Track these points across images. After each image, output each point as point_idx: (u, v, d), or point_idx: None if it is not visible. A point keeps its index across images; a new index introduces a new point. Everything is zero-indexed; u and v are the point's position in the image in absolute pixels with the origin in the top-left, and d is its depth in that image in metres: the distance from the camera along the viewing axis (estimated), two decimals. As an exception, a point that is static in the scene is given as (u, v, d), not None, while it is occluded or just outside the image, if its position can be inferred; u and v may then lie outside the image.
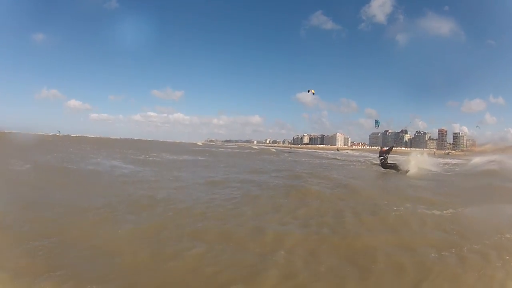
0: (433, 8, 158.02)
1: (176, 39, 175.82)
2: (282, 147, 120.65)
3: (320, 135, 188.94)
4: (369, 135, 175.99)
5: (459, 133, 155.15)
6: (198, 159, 20.66)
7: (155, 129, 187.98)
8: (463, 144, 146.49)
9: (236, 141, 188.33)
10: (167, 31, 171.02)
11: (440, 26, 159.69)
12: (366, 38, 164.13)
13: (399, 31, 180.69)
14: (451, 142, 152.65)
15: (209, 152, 35.00)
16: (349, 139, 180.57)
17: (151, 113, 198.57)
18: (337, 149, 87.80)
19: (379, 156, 16.88)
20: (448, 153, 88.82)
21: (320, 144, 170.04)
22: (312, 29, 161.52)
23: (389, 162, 16.17)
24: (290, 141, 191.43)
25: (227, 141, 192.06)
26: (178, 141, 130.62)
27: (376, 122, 61.56)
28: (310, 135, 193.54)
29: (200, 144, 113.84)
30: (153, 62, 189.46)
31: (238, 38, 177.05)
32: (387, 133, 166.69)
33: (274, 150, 48.21)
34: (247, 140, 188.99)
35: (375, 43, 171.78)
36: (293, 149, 67.37)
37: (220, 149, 51.40)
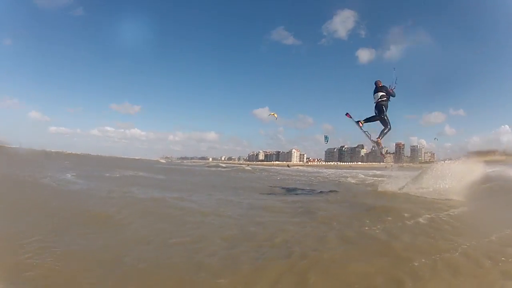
0: (396, 23, 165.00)
1: (134, 52, 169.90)
2: (238, 164, 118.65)
3: (275, 151, 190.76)
4: (325, 151, 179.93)
5: (417, 146, 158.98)
6: (193, 180, 18.23)
7: (112, 144, 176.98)
8: (421, 157, 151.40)
9: (192, 158, 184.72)
10: (125, 44, 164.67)
11: (403, 40, 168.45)
12: (326, 53, 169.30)
13: (359, 46, 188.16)
14: (409, 156, 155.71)
15: (185, 170, 32.66)
16: (305, 155, 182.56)
17: (109, 128, 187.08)
18: (288, 165, 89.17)
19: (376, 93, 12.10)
20: (402, 166, 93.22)
21: (275, 161, 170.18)
22: (273, 44, 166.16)
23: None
24: (245, 158, 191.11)
25: (182, 158, 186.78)
26: (137, 157, 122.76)
27: (326, 137, 63.32)
28: (266, 151, 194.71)
29: (163, 161, 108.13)
30: (112, 75, 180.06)
31: (196, 52, 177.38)
32: (343, 148, 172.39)
33: (248, 168, 46.92)
34: (202, 157, 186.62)
35: (334, 59, 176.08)
36: (249, 166, 66.93)
37: (185, 167, 48.37)
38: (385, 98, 11.77)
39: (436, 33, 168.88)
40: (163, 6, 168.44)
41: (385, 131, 11.87)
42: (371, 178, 21.62)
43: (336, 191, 13.01)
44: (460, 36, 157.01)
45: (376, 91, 11.97)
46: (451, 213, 6.42)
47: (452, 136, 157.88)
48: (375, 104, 11.95)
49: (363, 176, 25.28)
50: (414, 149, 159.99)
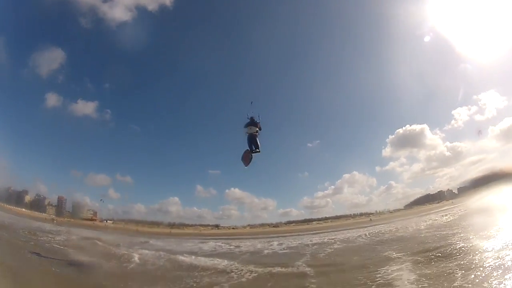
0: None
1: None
2: None
3: None
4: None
5: (79, 202, 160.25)
6: None
7: None
8: (83, 214, 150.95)
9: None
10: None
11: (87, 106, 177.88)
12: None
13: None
14: (71, 211, 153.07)
15: None
16: None
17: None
18: None
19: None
20: (52, 220, 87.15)
21: None
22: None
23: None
24: None
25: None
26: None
27: None
28: None
29: None
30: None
31: None
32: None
33: None
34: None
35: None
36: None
37: None
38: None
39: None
40: None
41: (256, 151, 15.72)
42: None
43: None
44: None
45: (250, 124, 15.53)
46: None
47: (117, 199, 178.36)
48: (248, 135, 15.62)
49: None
50: (76, 205, 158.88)
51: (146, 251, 19.20)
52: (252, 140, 15.66)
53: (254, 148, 15.65)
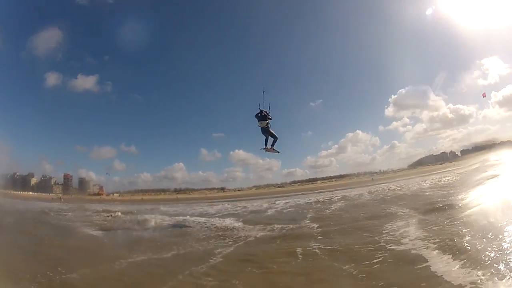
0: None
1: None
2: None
3: None
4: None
5: (85, 178, 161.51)
6: None
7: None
8: (90, 189, 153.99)
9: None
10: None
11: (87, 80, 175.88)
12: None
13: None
14: (77, 187, 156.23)
15: None
16: None
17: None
18: None
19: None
20: (59, 198, 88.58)
21: None
22: None
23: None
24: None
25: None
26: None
27: None
28: None
29: None
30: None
31: None
32: (16, 175, 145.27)
33: None
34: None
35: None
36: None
37: None
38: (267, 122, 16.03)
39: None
40: None
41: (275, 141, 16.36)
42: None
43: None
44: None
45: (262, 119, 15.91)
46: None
47: (122, 171, 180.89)
48: (261, 128, 16.14)
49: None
50: (82, 181, 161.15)
51: (159, 216, 19.90)
52: (265, 132, 16.21)
53: (268, 138, 16.28)
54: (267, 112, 15.84)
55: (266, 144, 16.39)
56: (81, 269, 6.99)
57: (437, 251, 7.52)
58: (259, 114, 15.74)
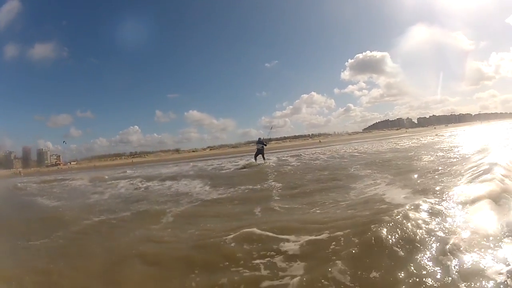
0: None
1: None
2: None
3: None
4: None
5: (43, 149, 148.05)
6: None
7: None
8: (47, 160, 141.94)
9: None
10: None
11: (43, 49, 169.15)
12: None
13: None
14: (36, 160, 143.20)
15: None
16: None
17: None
18: None
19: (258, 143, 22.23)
20: (19, 173, 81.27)
21: None
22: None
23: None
24: None
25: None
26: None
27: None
28: None
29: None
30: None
31: None
32: None
33: None
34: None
35: None
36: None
37: None
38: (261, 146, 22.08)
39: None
40: None
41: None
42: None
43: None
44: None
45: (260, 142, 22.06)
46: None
47: (79, 138, 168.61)
48: (256, 149, 22.36)
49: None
50: (40, 153, 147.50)
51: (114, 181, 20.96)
52: (258, 153, 22.10)
53: (258, 156, 22.20)
54: (265, 141, 22.30)
55: (255, 159, 22.33)
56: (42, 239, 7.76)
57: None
58: (258, 142, 21.99)
